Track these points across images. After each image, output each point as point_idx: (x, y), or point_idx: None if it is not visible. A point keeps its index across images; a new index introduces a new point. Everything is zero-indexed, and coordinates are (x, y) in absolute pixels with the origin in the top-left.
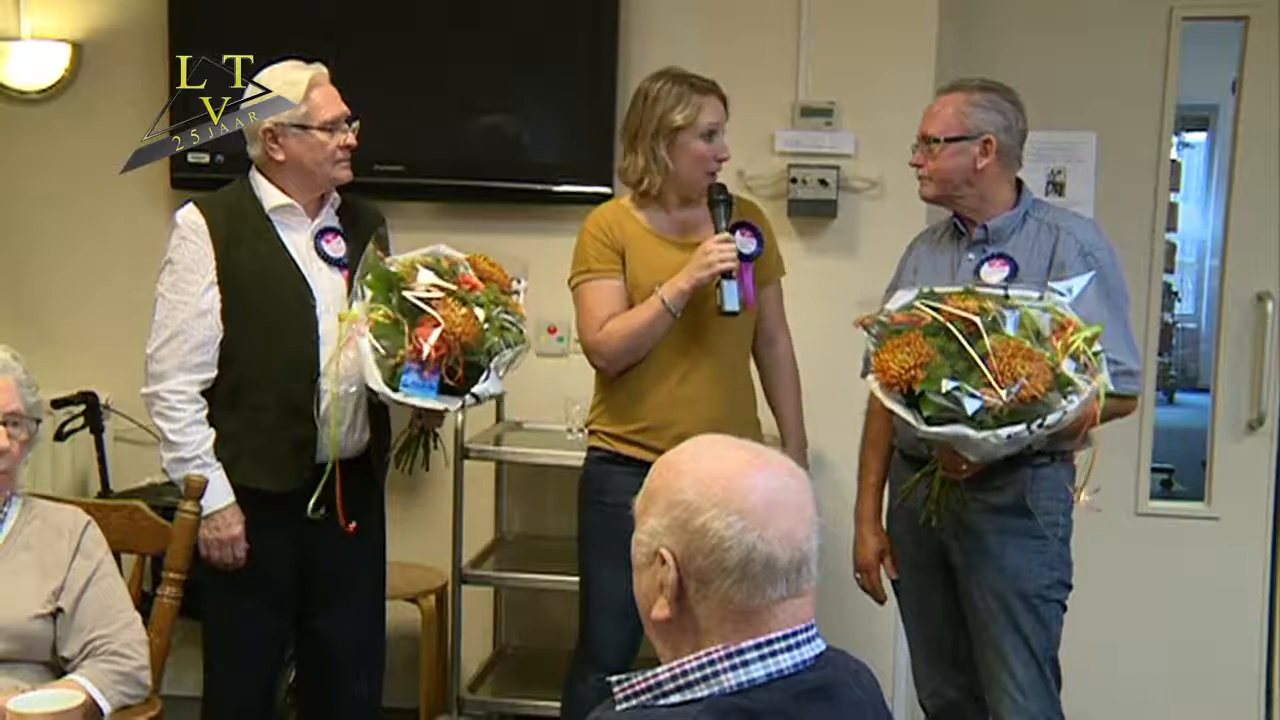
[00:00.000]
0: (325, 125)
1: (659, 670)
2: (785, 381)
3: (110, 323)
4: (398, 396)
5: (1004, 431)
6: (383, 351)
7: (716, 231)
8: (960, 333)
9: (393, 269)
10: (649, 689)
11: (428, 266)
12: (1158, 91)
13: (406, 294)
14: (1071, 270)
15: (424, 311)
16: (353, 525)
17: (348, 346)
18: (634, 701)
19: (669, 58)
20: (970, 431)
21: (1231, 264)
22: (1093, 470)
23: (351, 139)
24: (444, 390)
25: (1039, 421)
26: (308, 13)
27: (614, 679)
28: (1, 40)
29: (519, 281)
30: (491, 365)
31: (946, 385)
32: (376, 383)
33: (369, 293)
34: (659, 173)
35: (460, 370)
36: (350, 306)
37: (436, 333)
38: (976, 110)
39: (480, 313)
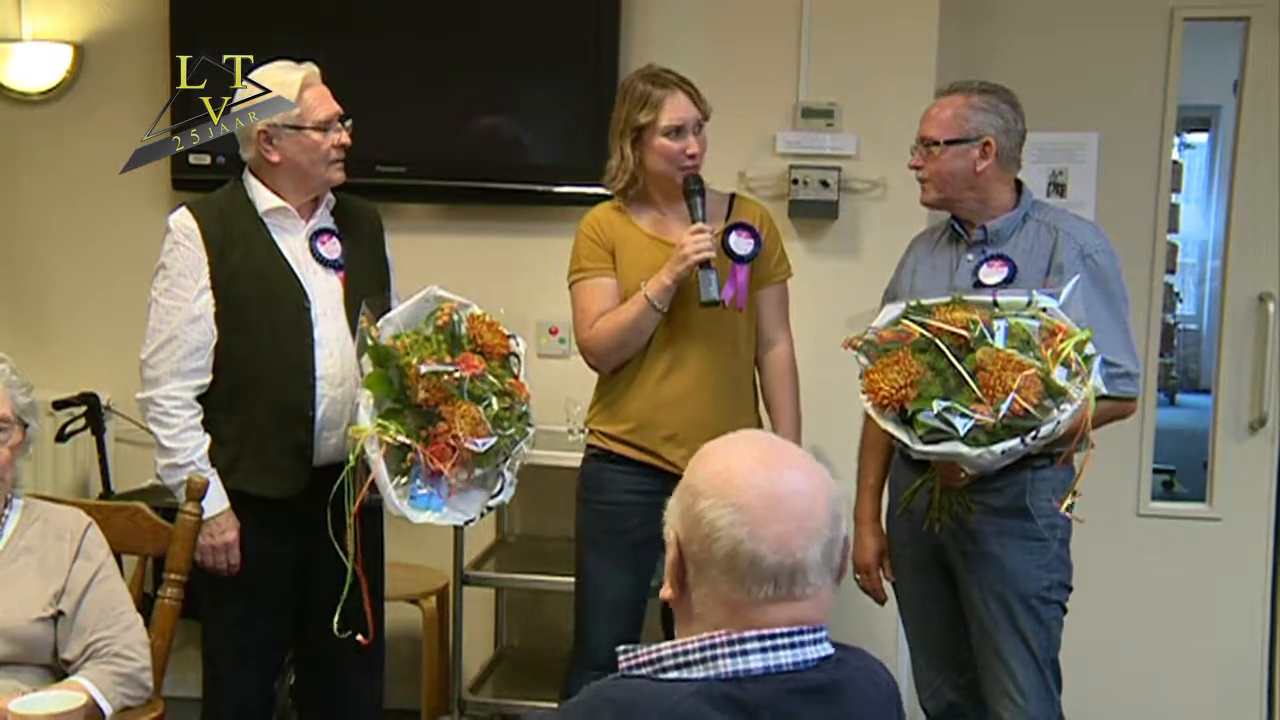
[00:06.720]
0: (319, 125)
1: (663, 645)
2: (781, 385)
3: (111, 324)
4: (420, 518)
5: (998, 448)
6: (397, 471)
7: (693, 223)
8: (949, 348)
9: (384, 343)
10: (650, 663)
11: (424, 348)
12: (1159, 92)
13: (417, 406)
14: (1070, 271)
15: (435, 423)
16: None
17: (371, 464)
18: (635, 674)
19: (669, 59)
20: (964, 449)
21: (1233, 265)
22: (1081, 477)
23: (345, 138)
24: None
25: (1033, 434)
26: (308, 14)
27: (620, 648)
28: (3, 42)
29: (517, 341)
30: (504, 470)
31: (937, 406)
32: (397, 507)
33: (371, 366)
34: (626, 170)
35: (469, 475)
36: (359, 382)
37: (452, 460)
38: (975, 113)
39: (489, 414)
